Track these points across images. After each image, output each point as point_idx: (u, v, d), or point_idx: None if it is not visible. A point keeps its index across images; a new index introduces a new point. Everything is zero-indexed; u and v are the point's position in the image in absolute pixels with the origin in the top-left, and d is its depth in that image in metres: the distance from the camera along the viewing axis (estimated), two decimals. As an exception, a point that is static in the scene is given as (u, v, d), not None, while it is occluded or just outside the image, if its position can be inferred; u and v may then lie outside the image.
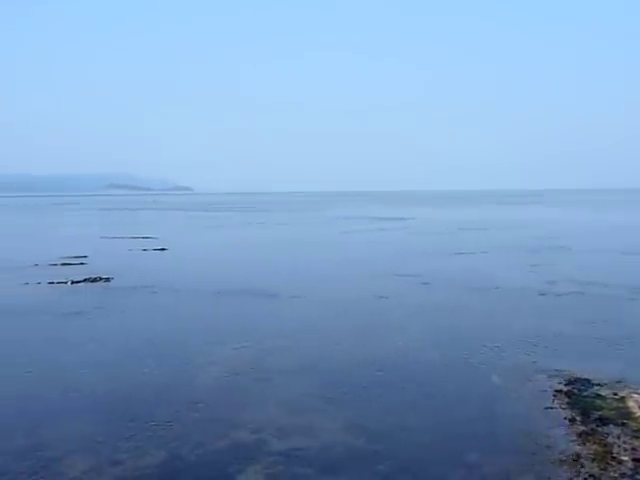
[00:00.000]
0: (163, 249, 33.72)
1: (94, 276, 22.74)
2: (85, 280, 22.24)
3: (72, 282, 21.90)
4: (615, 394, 10.21)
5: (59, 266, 26.72)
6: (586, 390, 10.51)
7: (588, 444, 8.46)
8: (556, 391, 10.50)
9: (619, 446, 8.36)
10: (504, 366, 12.06)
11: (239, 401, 10.33)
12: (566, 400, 10.06)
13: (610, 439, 8.58)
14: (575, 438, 8.67)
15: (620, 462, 7.92)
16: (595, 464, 7.90)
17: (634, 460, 7.93)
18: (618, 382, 10.85)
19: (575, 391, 10.45)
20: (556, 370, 11.61)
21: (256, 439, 8.78)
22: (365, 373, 11.83)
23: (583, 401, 9.99)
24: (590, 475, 7.64)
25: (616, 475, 7.65)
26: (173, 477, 7.74)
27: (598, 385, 10.72)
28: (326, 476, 7.73)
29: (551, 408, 9.79)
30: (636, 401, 9.82)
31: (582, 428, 8.96)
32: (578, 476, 7.64)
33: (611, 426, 9.01)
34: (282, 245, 39.14)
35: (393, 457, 8.28)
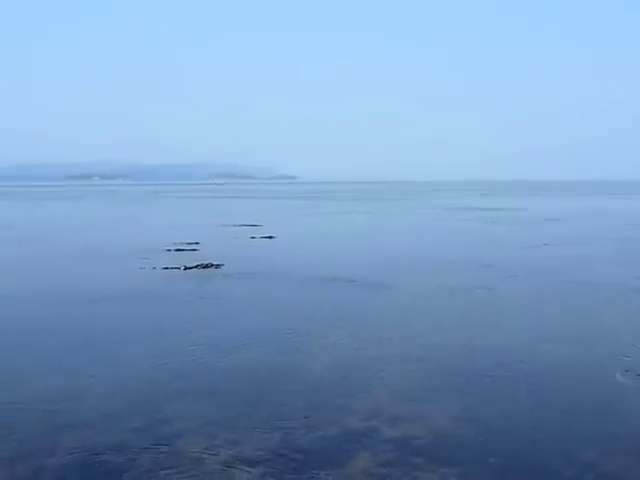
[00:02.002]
0: (270, 237, 34.41)
1: (206, 262, 23.47)
2: (197, 266, 23.02)
3: (185, 268, 22.76)
4: None
5: (173, 252, 27.79)
6: None
7: None
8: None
9: None
10: (626, 363, 11.61)
11: (348, 388, 10.46)
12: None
13: None
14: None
15: None
16: None
17: None
18: None
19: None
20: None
21: (367, 426, 8.88)
22: (473, 364, 11.71)
23: None
24: None
25: None
26: (287, 460, 7.90)
27: None
28: (437, 466, 7.72)
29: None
30: None
31: None
32: None
33: None
34: (381, 233, 39.65)
35: (505, 450, 8.19)
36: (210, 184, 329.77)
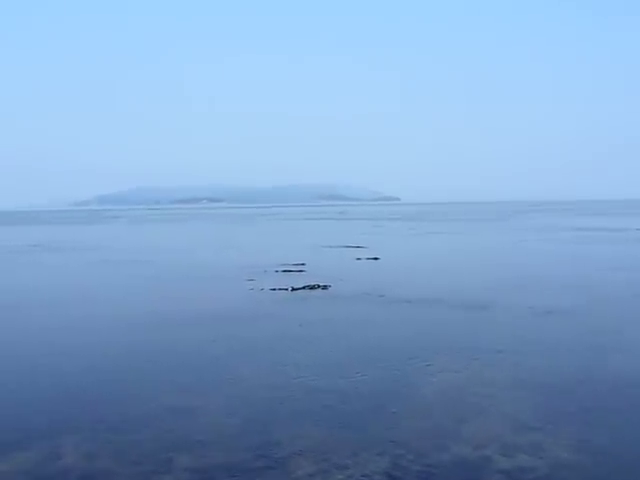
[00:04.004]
0: (375, 258, 34.38)
1: (313, 283, 23.74)
2: (304, 287, 23.30)
3: (292, 289, 23.06)
4: None
5: (280, 273, 28.26)
6: None
7: None
8: None
9: None
10: None
11: (458, 414, 10.20)
12: None
13: None
14: None
15: None
16: None
17: None
18: None
19: None
20: None
21: (479, 455, 8.62)
22: (591, 391, 11.20)
23: None
24: None
25: None
26: (398, 486, 7.82)
27: None
28: (555, 499, 7.43)
29: None
30: None
31: None
32: None
33: None
34: (485, 254, 38.89)
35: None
36: (314, 206, 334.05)
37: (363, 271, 29.76)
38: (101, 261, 37.12)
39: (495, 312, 18.62)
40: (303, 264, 31.27)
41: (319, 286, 23.40)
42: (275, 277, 26.85)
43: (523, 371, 12.52)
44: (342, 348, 14.59)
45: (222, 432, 9.57)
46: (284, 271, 28.72)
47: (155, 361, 13.92)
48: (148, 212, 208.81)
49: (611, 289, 22.75)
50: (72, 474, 8.27)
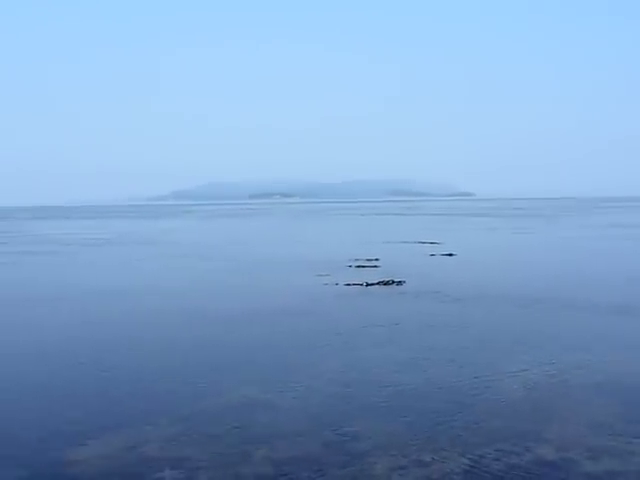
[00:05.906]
0: (450, 254, 33.96)
1: (387, 279, 23.63)
2: (379, 282, 23.21)
3: (367, 284, 23.00)
4: None
5: (354, 268, 28.27)
6: None
7: None
8: None
9: None
10: None
11: (542, 415, 9.95)
12: None
13: None
14: None
15: None
16: None
17: None
18: None
19: None
20: None
21: (563, 457, 8.37)
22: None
23: None
24: None
25: None
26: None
27: None
28: (645, 506, 7.15)
29: None
30: None
31: None
32: None
33: None
34: (562, 251, 37.94)
35: None
36: (385, 201, 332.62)
37: (438, 267, 29.44)
38: (177, 255, 37.92)
39: (578, 311, 18.09)
40: (377, 259, 31.17)
41: (393, 282, 23.27)
42: (349, 272, 26.85)
43: (608, 372, 12.14)
44: (419, 345, 14.45)
45: (298, 426, 9.61)
46: (358, 266, 28.71)
47: (230, 355, 14.12)
48: (222, 207, 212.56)
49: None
50: (157, 461, 8.46)
